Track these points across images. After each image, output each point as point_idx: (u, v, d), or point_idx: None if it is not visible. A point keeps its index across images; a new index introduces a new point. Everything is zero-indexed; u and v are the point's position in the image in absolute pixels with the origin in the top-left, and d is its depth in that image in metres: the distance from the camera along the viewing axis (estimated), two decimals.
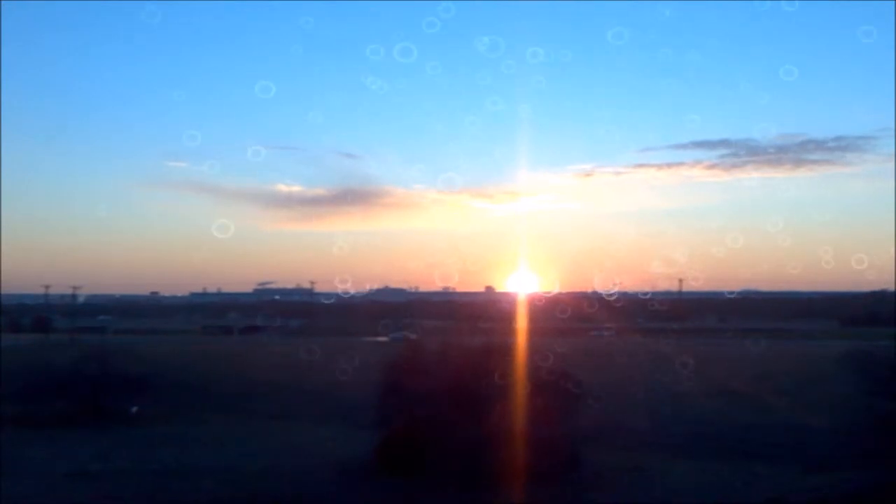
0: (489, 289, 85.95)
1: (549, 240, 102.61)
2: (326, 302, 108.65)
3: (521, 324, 30.81)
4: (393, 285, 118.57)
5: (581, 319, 68.33)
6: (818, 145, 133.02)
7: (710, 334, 73.80)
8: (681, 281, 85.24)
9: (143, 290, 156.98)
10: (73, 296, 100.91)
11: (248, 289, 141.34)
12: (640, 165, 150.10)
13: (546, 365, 22.25)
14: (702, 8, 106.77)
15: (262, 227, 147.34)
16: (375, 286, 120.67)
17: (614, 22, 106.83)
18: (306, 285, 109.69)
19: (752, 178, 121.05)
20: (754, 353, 54.74)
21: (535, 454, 18.32)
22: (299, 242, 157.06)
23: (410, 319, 68.67)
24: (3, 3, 66.63)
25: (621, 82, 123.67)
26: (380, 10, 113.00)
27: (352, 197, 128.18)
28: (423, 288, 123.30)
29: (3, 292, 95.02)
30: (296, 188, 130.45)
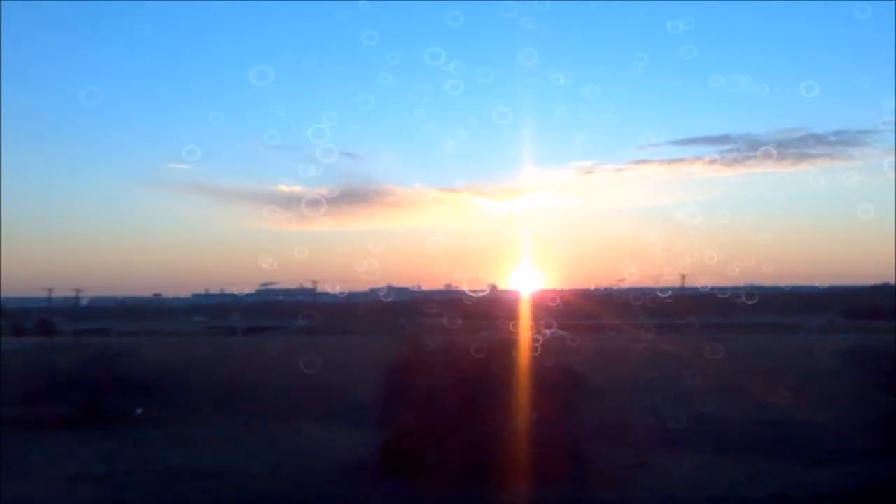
0: (491, 287, 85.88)
1: (550, 237, 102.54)
2: (329, 301, 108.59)
3: (524, 321, 30.84)
4: (395, 284, 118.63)
5: (584, 316, 68.53)
6: (819, 139, 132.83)
7: (713, 330, 73.81)
8: (683, 276, 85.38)
9: (145, 291, 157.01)
10: (76, 298, 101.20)
11: (251, 289, 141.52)
12: (641, 162, 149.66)
13: (549, 362, 22.29)
14: (701, 4, 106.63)
15: (263, 228, 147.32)
16: (377, 285, 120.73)
17: (614, 19, 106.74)
18: (308, 285, 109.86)
19: (754, 173, 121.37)
20: (757, 348, 54.79)
21: (540, 452, 18.34)
22: (301, 242, 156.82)
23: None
24: (2, 3, 66.47)
25: (621, 79, 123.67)
26: (380, 10, 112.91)
27: (353, 196, 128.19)
28: (426, 286, 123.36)
29: (5, 296, 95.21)
30: (297, 188, 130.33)
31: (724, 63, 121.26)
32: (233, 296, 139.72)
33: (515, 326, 29.54)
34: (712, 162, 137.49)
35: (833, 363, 30.97)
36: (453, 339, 24.16)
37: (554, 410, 19.81)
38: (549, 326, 31.65)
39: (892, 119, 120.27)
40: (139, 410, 30.56)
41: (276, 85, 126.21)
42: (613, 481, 19.10)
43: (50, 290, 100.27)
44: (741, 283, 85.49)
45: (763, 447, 22.59)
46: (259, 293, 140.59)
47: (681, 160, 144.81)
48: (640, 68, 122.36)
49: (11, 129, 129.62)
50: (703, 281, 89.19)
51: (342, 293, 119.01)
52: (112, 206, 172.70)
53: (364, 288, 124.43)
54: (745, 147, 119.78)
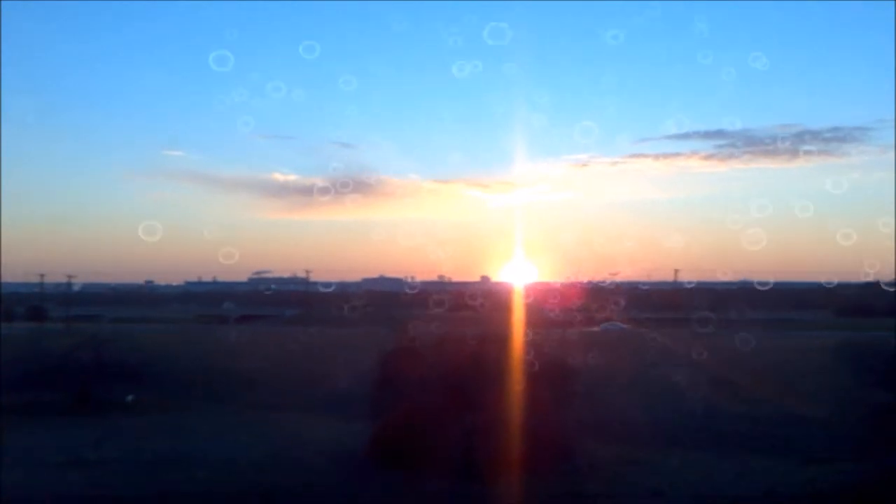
0: (485, 278, 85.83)
1: (544, 229, 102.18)
2: (323, 291, 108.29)
3: (517, 314, 30.72)
4: (388, 274, 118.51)
5: (576, 310, 68.40)
6: (814, 136, 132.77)
7: (706, 325, 73.67)
8: (676, 271, 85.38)
9: (138, 278, 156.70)
10: (69, 284, 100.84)
11: (244, 278, 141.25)
12: (637, 155, 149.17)
13: (541, 355, 22.23)
14: (698, 3, 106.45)
15: (257, 216, 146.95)
16: (371, 275, 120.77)
17: (610, 13, 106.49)
18: (302, 274, 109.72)
19: (749, 168, 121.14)
20: (749, 343, 54.74)
21: (530, 445, 18.30)
22: (295, 231, 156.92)
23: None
24: None
25: (617, 72, 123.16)
26: (375, 3, 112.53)
27: (347, 186, 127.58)
28: (419, 277, 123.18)
29: None
30: (291, 177, 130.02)
31: (720, 58, 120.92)
32: (225, 284, 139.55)
33: (509, 319, 29.44)
34: (708, 157, 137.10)
35: (826, 360, 30.98)
36: (447, 332, 24.14)
37: (544, 404, 19.77)
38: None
39: (886, 117, 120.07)
40: (130, 397, 30.47)
41: (272, 75, 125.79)
42: (603, 476, 19.08)
43: (42, 275, 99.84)
44: (734, 278, 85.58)
45: (755, 444, 22.59)
46: (252, 281, 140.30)
47: (676, 155, 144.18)
48: (636, 62, 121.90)
49: (4, 117, 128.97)
50: (696, 276, 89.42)
51: (335, 282, 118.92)
52: (105, 192, 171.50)
53: (357, 278, 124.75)
54: (740, 142, 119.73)
